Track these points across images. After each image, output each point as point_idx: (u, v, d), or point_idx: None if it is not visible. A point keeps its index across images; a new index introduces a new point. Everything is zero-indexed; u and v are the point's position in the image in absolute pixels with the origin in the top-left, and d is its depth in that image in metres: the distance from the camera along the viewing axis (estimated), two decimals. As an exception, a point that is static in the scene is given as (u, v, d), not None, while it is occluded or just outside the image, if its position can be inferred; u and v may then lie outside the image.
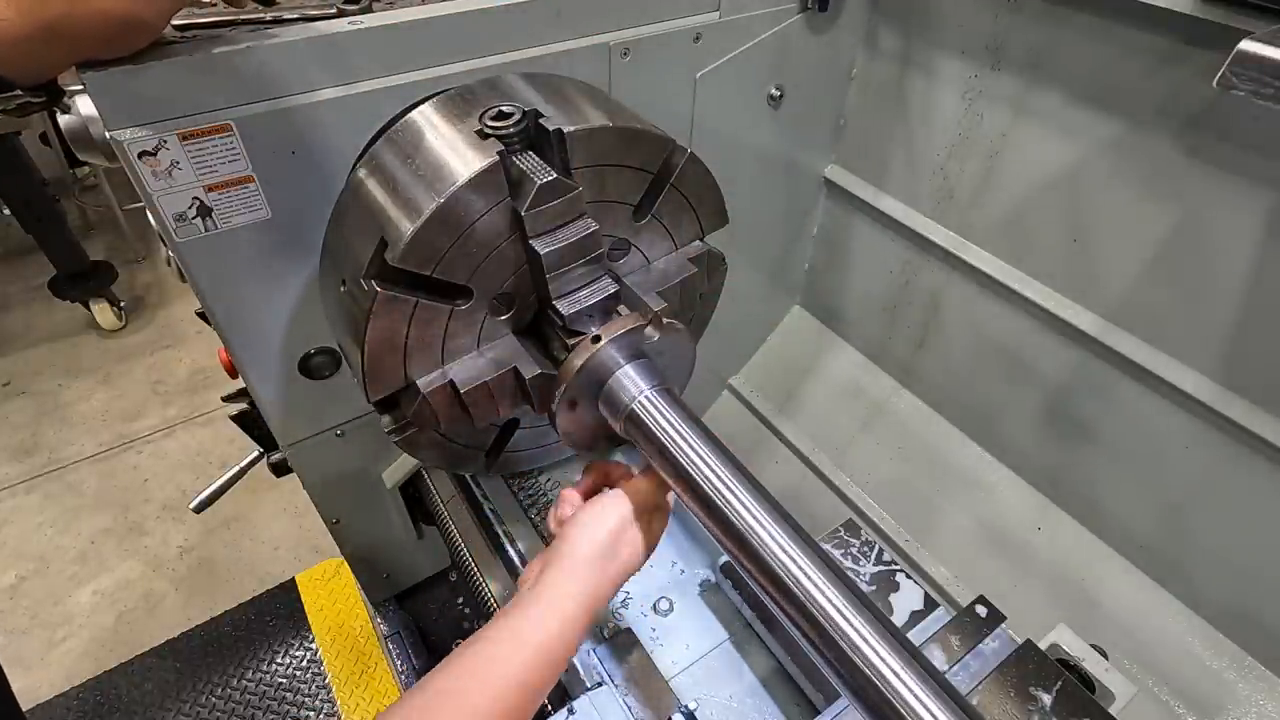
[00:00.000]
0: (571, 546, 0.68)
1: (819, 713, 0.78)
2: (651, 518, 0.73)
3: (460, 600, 1.65)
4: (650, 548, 0.72)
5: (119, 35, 0.63)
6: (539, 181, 0.68)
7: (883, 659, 0.54)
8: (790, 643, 0.85)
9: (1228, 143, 0.89)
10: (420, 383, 0.76)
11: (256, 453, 1.18)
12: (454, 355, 0.78)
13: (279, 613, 1.87)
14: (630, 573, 0.70)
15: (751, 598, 0.89)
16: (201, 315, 0.91)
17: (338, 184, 0.81)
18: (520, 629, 0.62)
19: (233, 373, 1.00)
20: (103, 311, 2.80)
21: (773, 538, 0.62)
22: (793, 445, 1.54)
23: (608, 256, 0.81)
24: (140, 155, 0.70)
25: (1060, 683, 0.72)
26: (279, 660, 1.77)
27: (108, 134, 0.69)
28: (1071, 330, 1.13)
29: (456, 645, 1.45)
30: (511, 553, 0.99)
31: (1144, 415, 1.10)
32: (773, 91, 1.19)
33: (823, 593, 0.58)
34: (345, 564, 1.60)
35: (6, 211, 2.62)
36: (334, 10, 0.80)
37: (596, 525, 0.69)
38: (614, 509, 0.70)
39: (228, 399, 1.18)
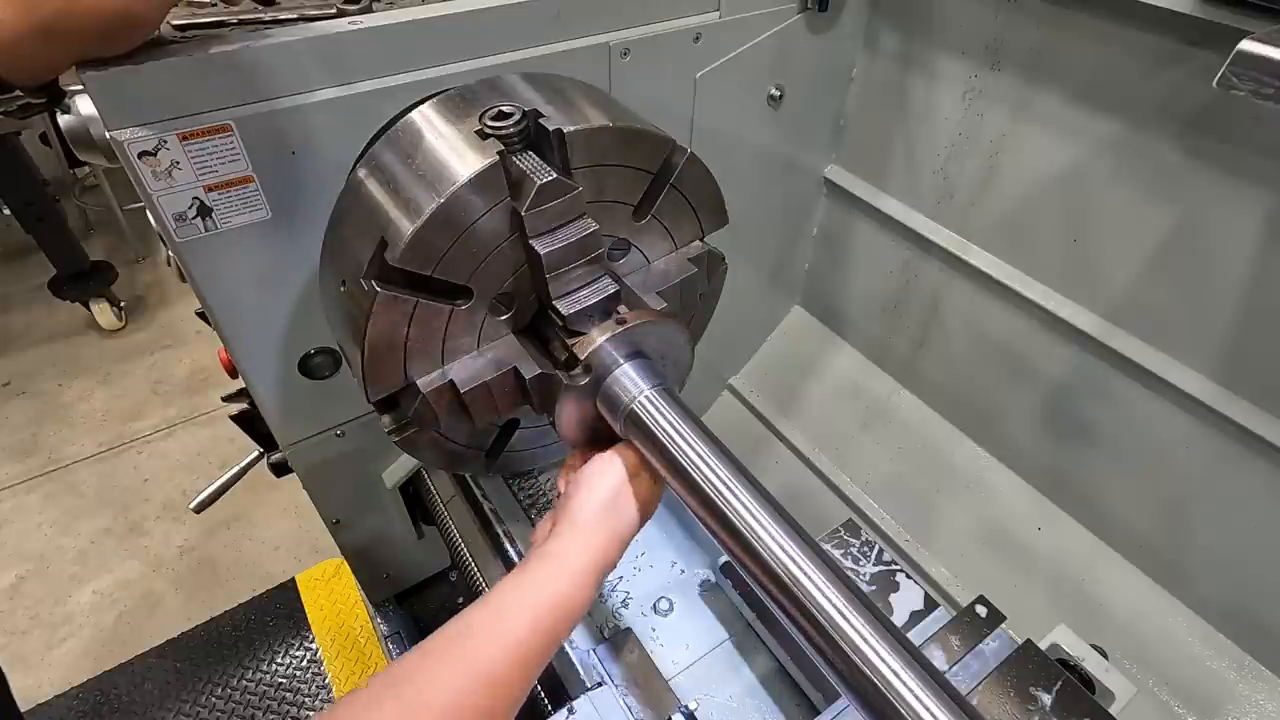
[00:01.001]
0: (577, 505, 0.71)
1: (819, 713, 0.78)
2: (645, 477, 0.75)
3: (460, 600, 1.65)
4: (647, 505, 0.74)
5: (116, 32, 0.63)
6: (539, 181, 0.68)
7: (883, 659, 0.54)
8: (790, 643, 0.85)
9: (1228, 143, 0.89)
10: (420, 383, 0.76)
11: (256, 453, 1.18)
12: (454, 355, 0.78)
13: (279, 613, 1.87)
14: (632, 529, 0.73)
15: (751, 598, 0.89)
16: (201, 315, 0.91)
17: (338, 184, 0.81)
18: (529, 589, 0.64)
19: (233, 373, 1.00)
20: (103, 311, 2.80)
21: (773, 538, 0.62)
22: (793, 445, 1.54)
23: (608, 256, 0.81)
24: (140, 155, 0.70)
25: (1060, 683, 0.72)
26: (279, 660, 1.77)
27: (108, 134, 0.69)
28: (1071, 330, 1.13)
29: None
30: (511, 553, 0.99)
31: (1144, 415, 1.10)
32: (773, 91, 1.19)
33: (823, 593, 0.58)
34: (345, 564, 1.60)
35: (6, 211, 2.63)
36: (334, 10, 0.80)
37: (598, 483, 0.72)
38: (611, 467, 0.73)
39: (228, 399, 1.18)
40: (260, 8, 0.81)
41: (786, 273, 1.59)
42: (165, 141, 0.70)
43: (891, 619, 0.61)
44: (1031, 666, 0.73)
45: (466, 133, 0.72)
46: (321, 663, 1.75)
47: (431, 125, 0.76)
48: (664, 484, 0.75)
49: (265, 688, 1.72)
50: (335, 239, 0.82)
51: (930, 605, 0.85)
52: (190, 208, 0.75)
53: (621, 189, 0.80)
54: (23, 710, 1.64)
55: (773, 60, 1.15)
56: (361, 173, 0.78)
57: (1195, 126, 0.91)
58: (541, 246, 0.71)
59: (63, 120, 0.75)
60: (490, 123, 0.71)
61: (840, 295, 1.56)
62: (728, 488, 0.65)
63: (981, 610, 0.80)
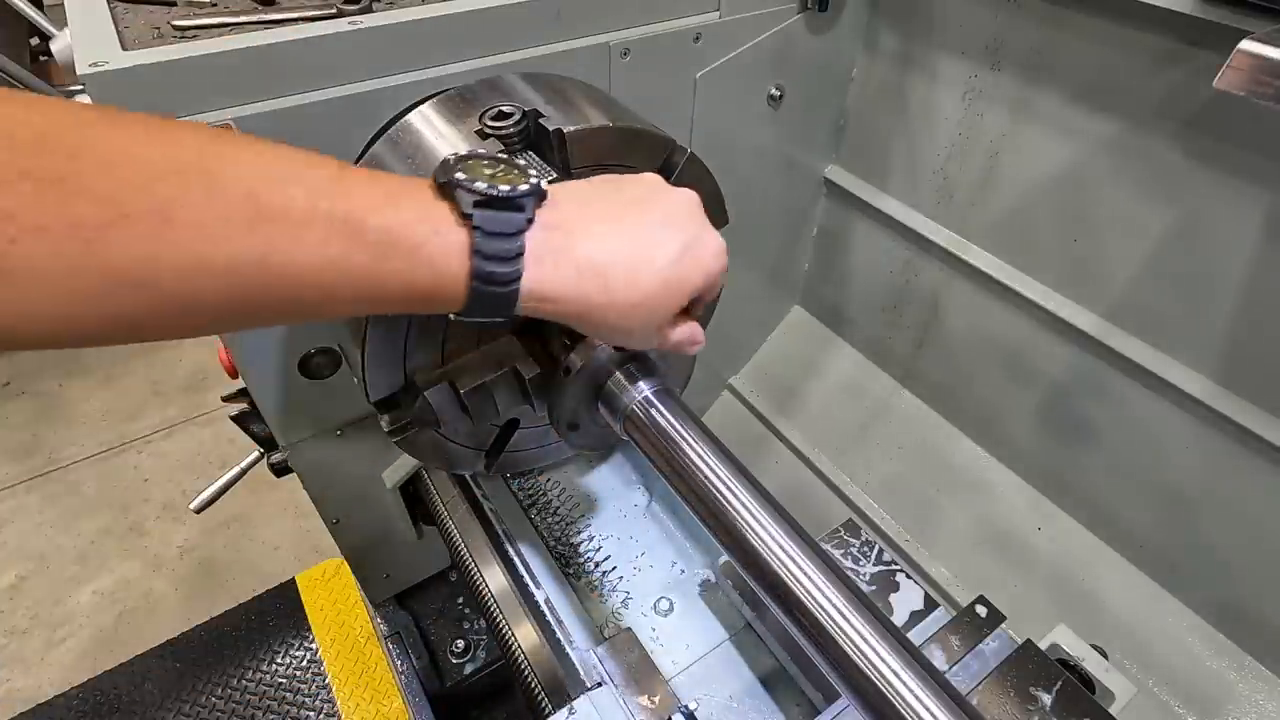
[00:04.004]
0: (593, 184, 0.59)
1: (819, 713, 0.78)
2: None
3: (460, 600, 1.65)
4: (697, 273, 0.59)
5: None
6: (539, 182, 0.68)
7: (883, 659, 0.54)
8: (790, 643, 0.84)
9: (1228, 143, 0.89)
10: (420, 382, 0.76)
11: (256, 453, 1.18)
12: (454, 355, 0.78)
13: (279, 613, 1.87)
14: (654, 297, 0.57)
15: (751, 598, 0.89)
16: (201, 315, 0.91)
17: (338, 184, 0.80)
18: (378, 208, 0.44)
19: (233, 373, 1.00)
20: (103, 311, 2.80)
21: (773, 538, 0.62)
22: (793, 445, 1.54)
23: (608, 256, 0.81)
24: (140, 155, 0.70)
25: (1060, 683, 0.72)
26: (279, 660, 1.76)
27: (108, 134, 0.69)
28: (1071, 330, 1.13)
29: (456, 646, 1.44)
30: (511, 553, 0.99)
31: (1144, 415, 1.10)
32: (773, 91, 1.19)
33: (823, 593, 0.58)
34: (345, 564, 1.60)
35: (6, 211, 2.62)
36: (334, 10, 0.80)
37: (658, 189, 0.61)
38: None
39: (228, 399, 1.18)
40: (260, 8, 0.81)
41: (786, 273, 1.59)
42: (165, 141, 0.70)
43: (891, 619, 0.61)
44: (1031, 666, 0.73)
45: (466, 133, 0.72)
46: (321, 663, 1.75)
47: (431, 125, 0.76)
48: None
49: (265, 688, 1.71)
50: (335, 239, 0.81)
51: (930, 605, 0.85)
52: (190, 208, 0.75)
53: (621, 189, 0.80)
54: (23, 710, 1.65)
55: (773, 60, 1.15)
56: (361, 173, 0.78)
57: (1195, 126, 0.91)
58: (541, 246, 0.71)
59: (63, 120, 0.74)
60: (490, 123, 0.71)
61: (840, 295, 1.56)
62: (728, 488, 0.65)
63: (981, 610, 0.80)
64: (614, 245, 0.53)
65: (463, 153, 0.51)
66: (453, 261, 0.46)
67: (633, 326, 0.57)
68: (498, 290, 0.48)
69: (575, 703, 0.78)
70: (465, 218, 0.46)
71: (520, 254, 0.48)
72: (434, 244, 0.46)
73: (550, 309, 0.52)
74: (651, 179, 0.62)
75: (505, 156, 0.53)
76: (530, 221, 0.49)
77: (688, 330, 0.64)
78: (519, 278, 0.49)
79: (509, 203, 0.48)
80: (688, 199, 0.61)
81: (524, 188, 0.49)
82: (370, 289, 0.45)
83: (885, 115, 1.29)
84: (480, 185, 0.47)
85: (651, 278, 0.55)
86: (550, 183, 0.53)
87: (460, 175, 0.48)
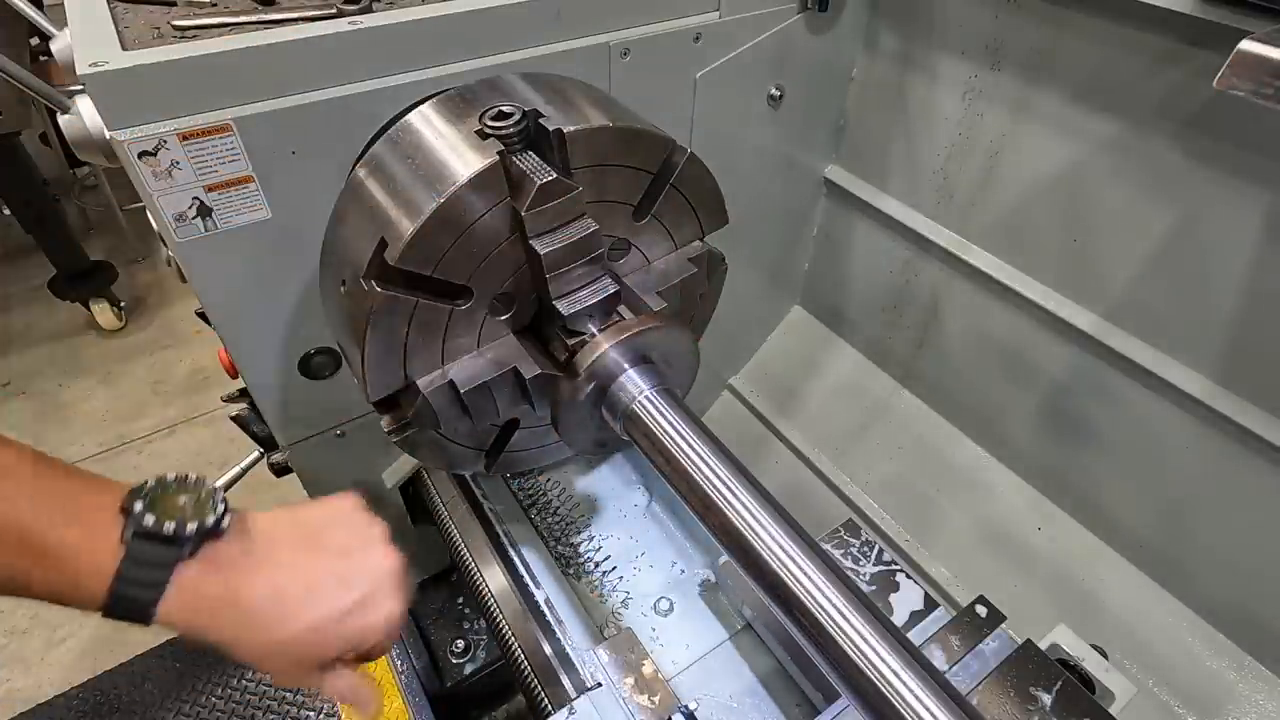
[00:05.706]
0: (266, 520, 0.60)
1: (819, 713, 0.78)
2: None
3: (460, 600, 1.65)
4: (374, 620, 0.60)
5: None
6: (539, 181, 0.68)
7: (883, 659, 0.54)
8: (790, 643, 0.84)
9: (1228, 143, 0.89)
10: (420, 383, 0.76)
11: (256, 453, 1.18)
12: (454, 355, 0.78)
13: (279, 613, 1.87)
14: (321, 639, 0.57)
15: (751, 598, 0.89)
16: (201, 315, 0.91)
17: (338, 184, 0.81)
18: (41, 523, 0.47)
19: (233, 373, 1.00)
20: (103, 311, 2.80)
21: (773, 538, 0.62)
22: (793, 445, 1.54)
23: (607, 256, 0.81)
24: (140, 155, 0.70)
25: (1060, 683, 0.71)
26: (279, 660, 1.76)
27: (108, 134, 0.69)
28: (1071, 330, 1.13)
29: (456, 646, 1.44)
30: (511, 553, 0.99)
31: (1144, 415, 1.10)
32: (773, 91, 1.19)
33: (823, 593, 0.58)
34: (345, 564, 1.59)
35: (6, 211, 2.62)
36: (334, 10, 0.80)
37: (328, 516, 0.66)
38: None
39: (228, 399, 1.18)
40: (260, 8, 0.81)
41: (786, 273, 1.59)
42: (165, 141, 0.70)
43: (891, 619, 0.61)
44: (1031, 666, 0.73)
45: (466, 133, 0.72)
46: (321, 663, 1.75)
47: (431, 125, 0.76)
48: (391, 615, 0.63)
49: (265, 687, 1.71)
50: (335, 239, 0.82)
51: (930, 605, 0.85)
52: (190, 208, 0.75)
53: (621, 189, 0.80)
54: (23, 710, 1.64)
55: (773, 60, 1.15)
56: (361, 173, 0.78)
57: (1195, 126, 0.91)
58: (541, 246, 0.71)
59: (63, 120, 0.75)
60: (490, 123, 0.71)
61: (840, 295, 1.56)
62: (728, 488, 0.65)
63: (981, 610, 0.80)
64: (272, 589, 0.55)
65: (170, 477, 0.53)
66: (102, 569, 0.48)
67: (274, 665, 0.57)
68: (134, 607, 0.50)
69: (575, 703, 0.78)
70: (123, 543, 0.49)
71: (164, 583, 0.50)
72: (84, 559, 0.48)
73: (186, 633, 0.53)
74: (367, 534, 0.65)
75: (214, 488, 0.54)
76: (189, 556, 0.51)
77: (348, 686, 0.62)
78: (157, 601, 0.50)
79: (172, 540, 0.50)
80: (388, 565, 0.62)
81: (192, 528, 0.50)
82: (14, 582, 0.48)
83: (885, 115, 1.29)
84: (149, 521, 0.49)
85: (300, 624, 0.55)
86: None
87: (138, 505, 0.49)
